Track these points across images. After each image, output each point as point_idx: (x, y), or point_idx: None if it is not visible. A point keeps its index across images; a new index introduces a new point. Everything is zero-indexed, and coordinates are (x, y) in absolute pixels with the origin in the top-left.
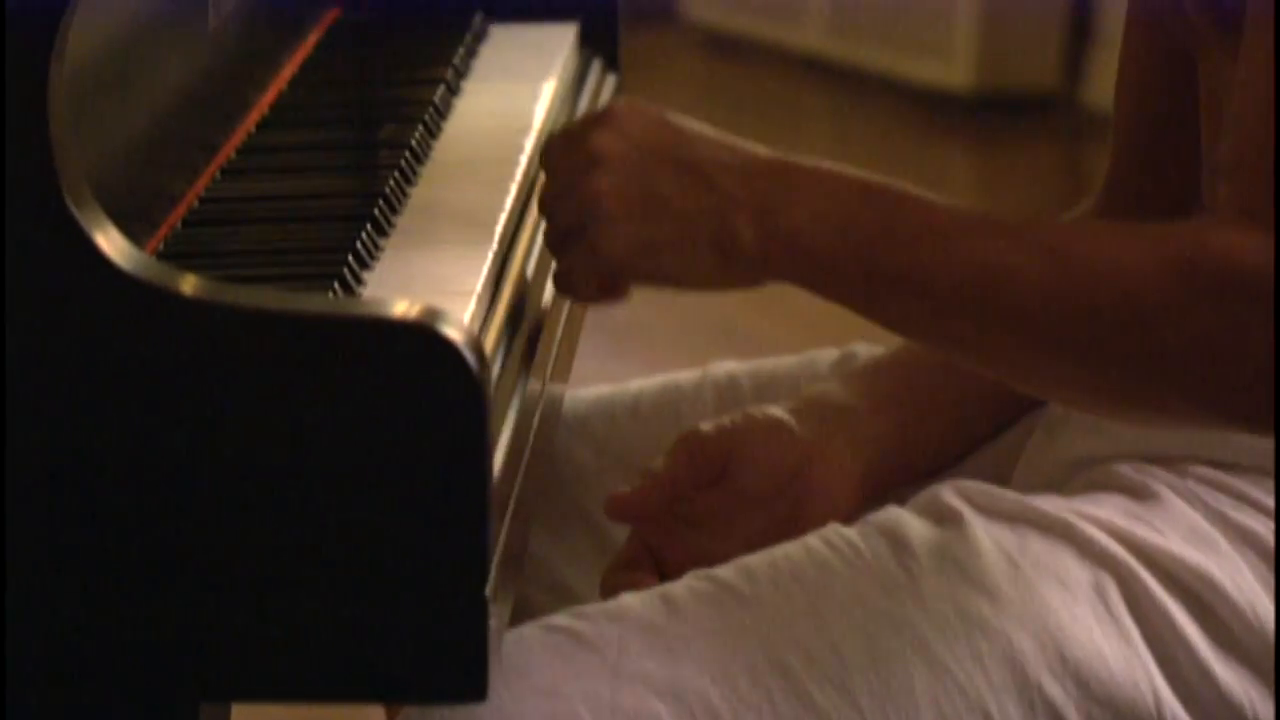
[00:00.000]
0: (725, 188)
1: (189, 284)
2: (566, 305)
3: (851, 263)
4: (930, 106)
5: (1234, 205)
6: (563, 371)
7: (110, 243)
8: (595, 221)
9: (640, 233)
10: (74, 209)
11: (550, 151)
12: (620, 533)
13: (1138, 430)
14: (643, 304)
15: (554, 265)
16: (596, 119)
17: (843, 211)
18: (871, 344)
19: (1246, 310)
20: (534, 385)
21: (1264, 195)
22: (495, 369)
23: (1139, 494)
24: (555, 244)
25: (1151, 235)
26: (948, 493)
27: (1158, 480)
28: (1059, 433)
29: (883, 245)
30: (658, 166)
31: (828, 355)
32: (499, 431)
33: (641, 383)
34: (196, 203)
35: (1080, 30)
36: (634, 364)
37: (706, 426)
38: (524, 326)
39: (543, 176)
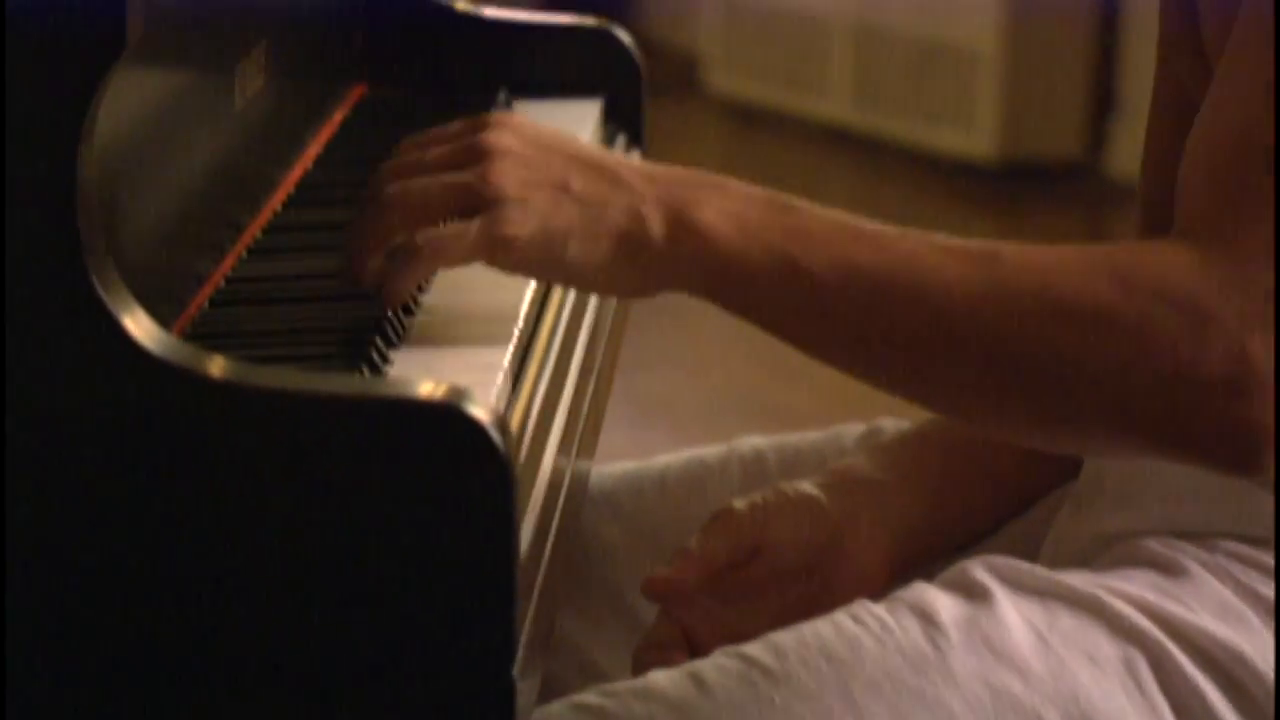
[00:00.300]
0: (632, 184)
1: (217, 366)
2: (593, 380)
3: (765, 262)
4: (954, 176)
5: (1176, 226)
6: (589, 448)
7: (138, 325)
8: (498, 206)
9: (548, 218)
10: (101, 292)
11: (414, 151)
12: (648, 609)
13: (1167, 505)
14: (668, 376)
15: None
16: (478, 124)
17: (754, 212)
18: (898, 418)
19: (1174, 323)
20: (560, 462)
21: (1203, 218)
22: (522, 447)
23: (1169, 569)
24: (418, 218)
25: (1087, 246)
26: (976, 568)
27: (1187, 555)
28: (1088, 507)
29: (797, 243)
30: (560, 161)
31: (853, 430)
32: (526, 510)
33: (668, 458)
34: (223, 283)
35: (1103, 100)
36: (659, 436)
37: (740, 504)
38: (550, 403)
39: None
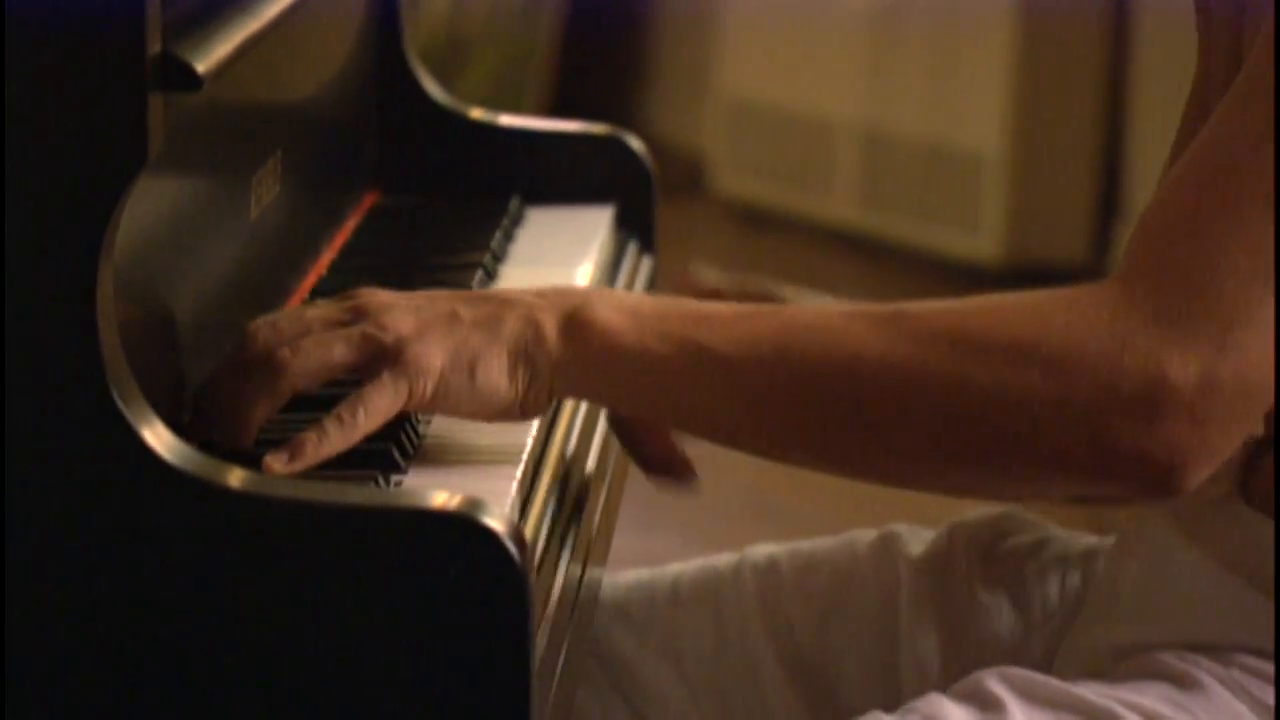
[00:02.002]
0: (522, 299)
1: (235, 476)
2: (605, 489)
3: (665, 349)
4: (960, 278)
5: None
6: (601, 555)
7: (157, 437)
8: (402, 347)
9: (453, 348)
10: (121, 404)
11: (287, 323)
12: (662, 718)
13: (1183, 617)
14: None
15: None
16: (346, 294)
17: (646, 306)
18: (910, 523)
19: (1091, 351)
20: (574, 570)
21: (1135, 257)
22: (536, 556)
23: (1183, 682)
24: (317, 372)
25: (1004, 293)
26: (990, 679)
27: (1202, 669)
28: (1103, 618)
29: (695, 326)
30: (444, 299)
31: (865, 535)
32: (541, 618)
33: (679, 567)
34: None
35: (1109, 204)
36: (667, 539)
37: None
38: (565, 511)
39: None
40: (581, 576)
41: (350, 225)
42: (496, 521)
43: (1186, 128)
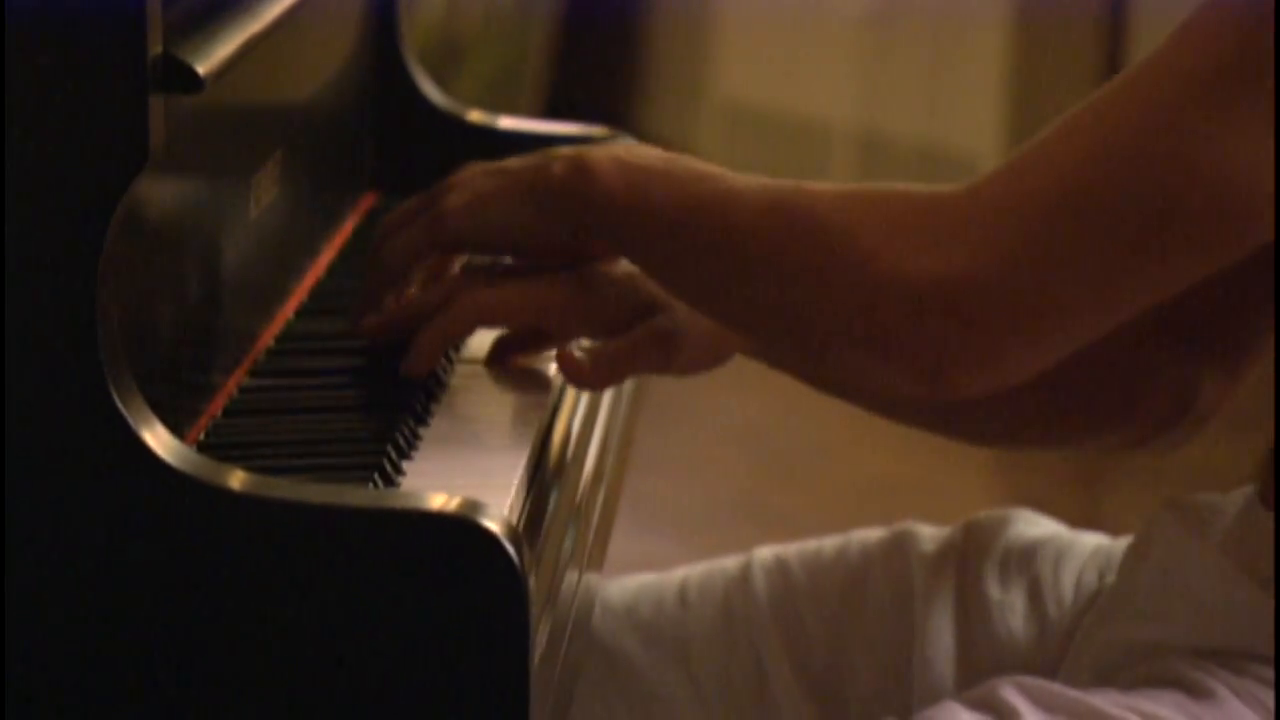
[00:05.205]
0: (560, 149)
1: (235, 478)
2: (603, 490)
3: (627, 200)
4: None
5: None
6: (599, 556)
7: (157, 439)
8: (442, 192)
9: (478, 190)
10: (121, 406)
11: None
12: None
13: (1197, 619)
14: (666, 480)
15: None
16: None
17: (639, 159)
18: (921, 521)
19: (882, 232)
20: (573, 572)
21: (986, 178)
22: (535, 557)
23: (1196, 691)
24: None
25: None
26: (1005, 688)
27: (1216, 678)
28: (1116, 618)
29: (662, 182)
30: (516, 158)
31: (874, 533)
32: (539, 621)
33: (685, 570)
34: (237, 392)
35: None
36: (664, 540)
37: None
38: (563, 513)
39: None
40: (580, 578)
41: (349, 226)
42: (495, 523)
43: None
